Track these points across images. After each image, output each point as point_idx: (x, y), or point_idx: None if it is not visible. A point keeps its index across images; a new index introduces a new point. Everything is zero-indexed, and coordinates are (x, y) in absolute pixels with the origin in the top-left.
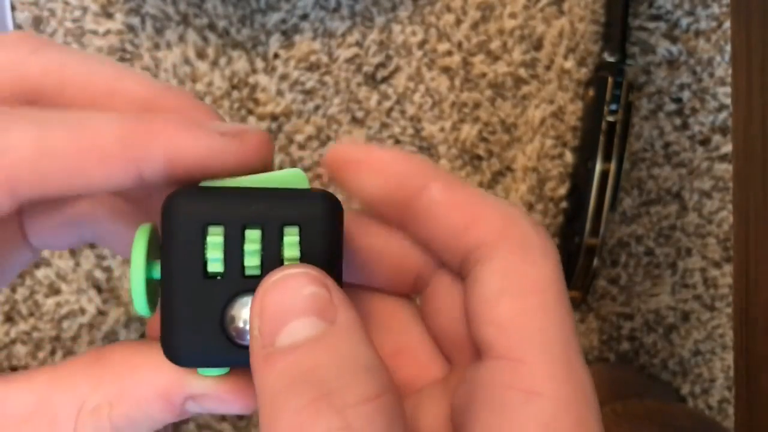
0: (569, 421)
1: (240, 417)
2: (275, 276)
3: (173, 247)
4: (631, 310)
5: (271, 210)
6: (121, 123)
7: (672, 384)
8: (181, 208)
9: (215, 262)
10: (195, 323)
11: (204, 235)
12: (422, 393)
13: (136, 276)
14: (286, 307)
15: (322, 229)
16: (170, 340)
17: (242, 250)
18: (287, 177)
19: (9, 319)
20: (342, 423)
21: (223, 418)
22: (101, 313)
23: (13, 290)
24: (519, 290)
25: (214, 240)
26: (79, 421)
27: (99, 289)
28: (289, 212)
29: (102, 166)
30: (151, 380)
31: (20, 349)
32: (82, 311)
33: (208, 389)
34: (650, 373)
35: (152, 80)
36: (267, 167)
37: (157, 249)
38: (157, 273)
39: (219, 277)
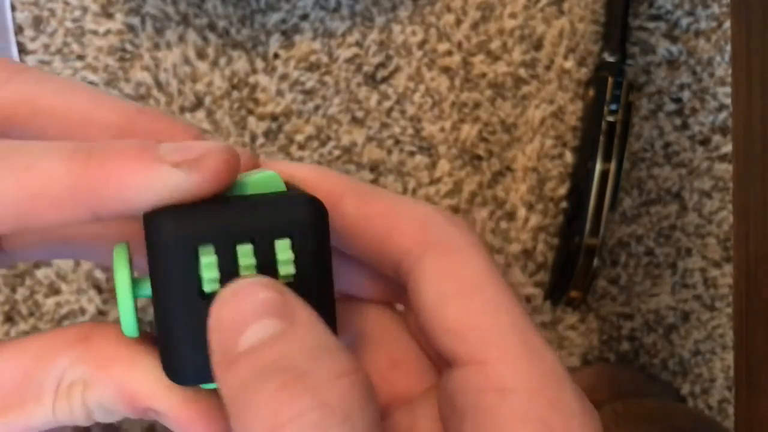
0: (545, 406)
1: None
2: (227, 290)
3: (165, 271)
4: (631, 310)
5: (259, 223)
6: (70, 165)
7: (672, 384)
8: (168, 231)
9: (211, 282)
10: (194, 343)
11: (196, 256)
12: (416, 401)
13: (123, 300)
14: (241, 316)
15: (313, 237)
16: (170, 361)
17: (237, 267)
18: (263, 181)
19: (9, 319)
20: (318, 401)
21: None
22: (101, 313)
23: (13, 290)
24: (458, 292)
25: (208, 260)
26: (58, 393)
27: (99, 289)
28: (277, 224)
29: (52, 211)
30: (118, 380)
31: None
32: (82, 311)
33: (166, 410)
34: (650, 373)
35: (127, 105)
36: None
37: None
38: (143, 291)
39: (214, 296)
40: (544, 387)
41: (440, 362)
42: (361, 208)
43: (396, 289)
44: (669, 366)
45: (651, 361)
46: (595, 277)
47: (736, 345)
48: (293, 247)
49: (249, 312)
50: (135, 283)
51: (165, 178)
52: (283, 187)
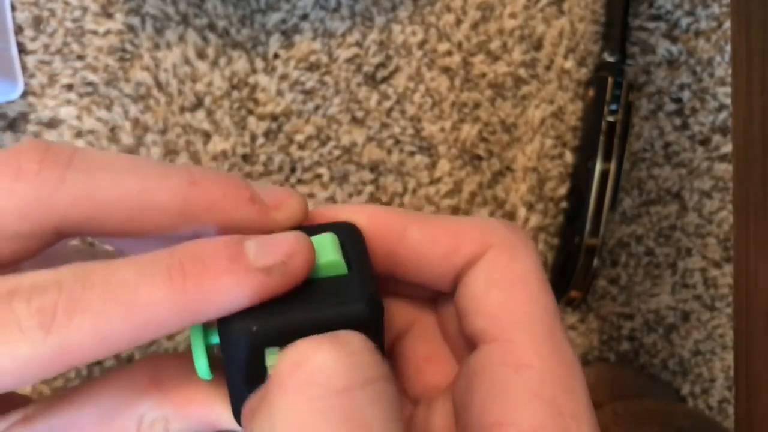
0: (557, 389)
1: None
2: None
3: (235, 363)
4: (631, 310)
5: (320, 326)
6: (169, 290)
7: (672, 384)
8: (238, 335)
9: None
10: None
11: (262, 354)
12: (436, 399)
13: (198, 350)
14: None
15: (369, 333)
16: (239, 415)
17: None
18: (328, 267)
19: None
20: (332, 337)
21: None
22: None
23: None
24: (505, 282)
25: (273, 360)
26: (140, 431)
27: None
28: (337, 323)
29: (156, 333)
30: (201, 414)
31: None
32: None
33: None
34: (650, 373)
35: (179, 179)
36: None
37: None
38: (215, 339)
39: None
40: (560, 372)
41: (466, 350)
42: (427, 230)
43: (435, 295)
44: (669, 366)
45: (651, 361)
46: (595, 277)
47: (736, 345)
48: None
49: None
50: (207, 331)
51: (258, 288)
52: (345, 270)
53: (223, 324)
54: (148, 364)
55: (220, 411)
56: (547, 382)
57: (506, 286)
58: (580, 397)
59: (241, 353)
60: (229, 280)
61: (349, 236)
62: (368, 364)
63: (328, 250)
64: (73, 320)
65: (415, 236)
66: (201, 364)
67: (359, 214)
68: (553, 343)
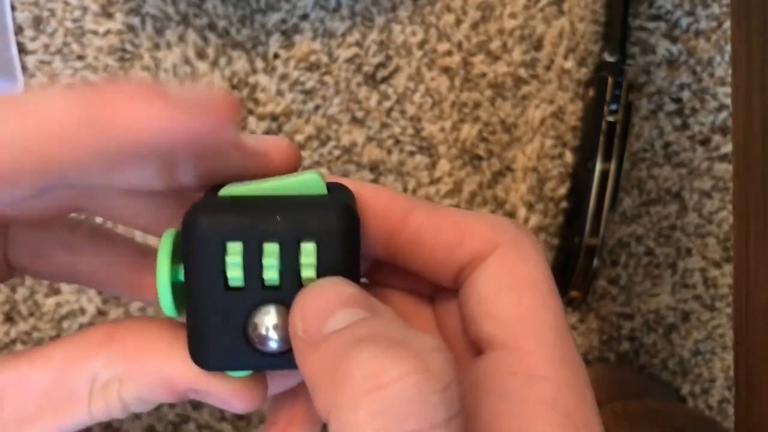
0: (571, 400)
1: (240, 417)
2: (312, 286)
3: (195, 263)
4: (631, 310)
5: (287, 225)
6: (77, 102)
7: (672, 384)
8: (200, 225)
9: (235, 278)
10: (220, 332)
11: (224, 251)
12: None
13: (162, 282)
14: (327, 306)
15: (338, 244)
16: (197, 348)
17: (261, 265)
18: (306, 183)
19: (9, 319)
20: (421, 365)
21: (222, 417)
22: (101, 313)
23: (13, 290)
24: (515, 286)
25: (234, 259)
26: (93, 395)
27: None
28: (305, 227)
29: (66, 150)
30: (157, 369)
31: (20, 349)
32: (82, 311)
33: (209, 387)
34: (650, 373)
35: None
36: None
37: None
38: (181, 276)
39: (240, 290)
40: (572, 383)
41: (468, 352)
42: (433, 218)
43: (433, 292)
44: (669, 366)
45: (651, 361)
46: (595, 277)
47: (736, 345)
48: (318, 252)
49: (334, 302)
50: (175, 267)
51: (172, 114)
52: (324, 190)
53: (188, 219)
54: (104, 325)
55: (178, 363)
56: (561, 393)
57: (516, 290)
58: (591, 406)
59: (202, 246)
60: (140, 101)
61: (338, 188)
62: (453, 400)
63: (308, 173)
64: None
65: (419, 221)
66: (164, 296)
67: (365, 189)
68: (565, 350)
